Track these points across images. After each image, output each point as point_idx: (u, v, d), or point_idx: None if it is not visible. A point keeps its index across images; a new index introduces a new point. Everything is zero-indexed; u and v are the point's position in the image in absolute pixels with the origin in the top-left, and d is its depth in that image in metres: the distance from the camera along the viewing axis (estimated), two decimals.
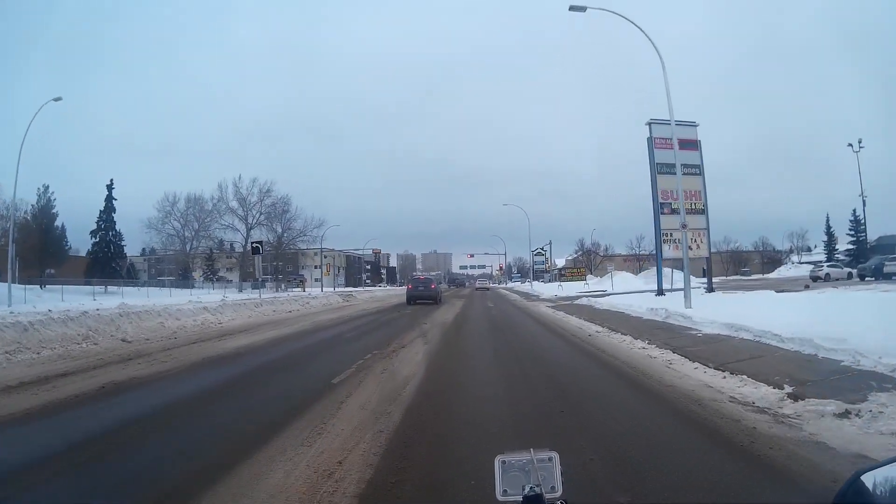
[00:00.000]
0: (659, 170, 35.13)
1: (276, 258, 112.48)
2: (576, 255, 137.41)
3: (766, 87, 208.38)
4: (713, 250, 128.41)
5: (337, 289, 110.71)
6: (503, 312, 32.65)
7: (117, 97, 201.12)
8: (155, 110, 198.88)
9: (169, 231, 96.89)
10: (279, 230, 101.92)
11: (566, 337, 18.37)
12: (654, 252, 44.62)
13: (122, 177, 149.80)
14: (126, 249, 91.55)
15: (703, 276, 42.69)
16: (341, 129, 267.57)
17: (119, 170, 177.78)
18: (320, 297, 44.99)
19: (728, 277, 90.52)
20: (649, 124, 35.72)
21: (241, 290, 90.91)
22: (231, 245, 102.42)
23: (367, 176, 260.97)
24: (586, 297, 40.38)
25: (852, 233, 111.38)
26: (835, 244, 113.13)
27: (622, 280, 63.32)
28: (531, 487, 1.74)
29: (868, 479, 1.54)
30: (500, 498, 1.79)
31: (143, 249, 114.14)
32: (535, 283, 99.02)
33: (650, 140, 35.53)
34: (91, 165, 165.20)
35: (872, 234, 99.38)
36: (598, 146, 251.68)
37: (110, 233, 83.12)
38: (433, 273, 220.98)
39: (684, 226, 25.65)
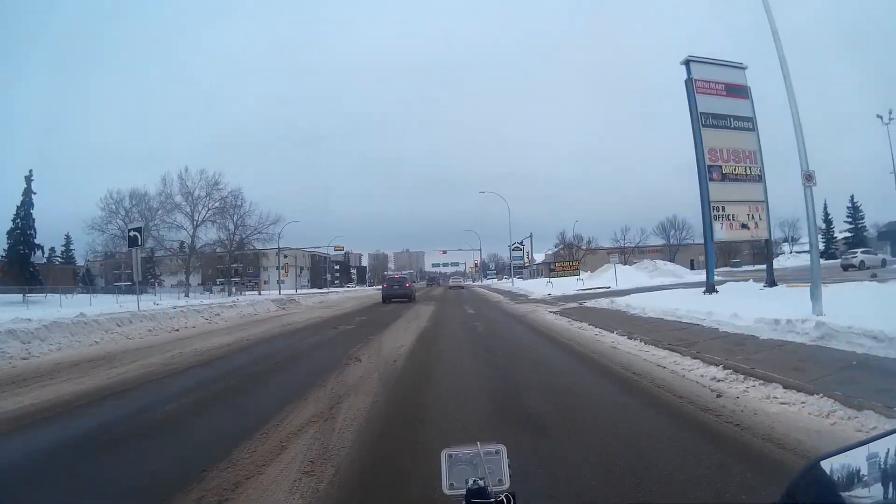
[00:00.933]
0: (704, 121, 25.27)
1: (233, 259, 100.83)
2: (557, 249, 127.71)
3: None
4: (701, 241, 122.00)
5: (298, 291, 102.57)
6: (493, 327, 21.48)
7: (108, 103, 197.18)
8: (143, 116, 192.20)
9: (113, 232, 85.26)
10: (231, 227, 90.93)
11: (675, 407, 7.73)
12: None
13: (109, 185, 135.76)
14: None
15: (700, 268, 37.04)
16: (318, 130, 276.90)
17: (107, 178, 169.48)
18: (244, 305, 34.28)
19: (717, 269, 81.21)
20: (687, 63, 25.91)
21: (186, 295, 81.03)
22: (183, 245, 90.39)
23: (341, 176, 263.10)
24: (592, 296, 32.85)
25: (850, 220, 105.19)
26: (832, 233, 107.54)
27: (623, 275, 53.79)
28: (475, 480, 1.72)
29: (825, 466, 1.46)
30: (446, 492, 1.75)
31: (107, 254, 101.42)
32: (516, 279, 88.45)
33: (689, 83, 25.62)
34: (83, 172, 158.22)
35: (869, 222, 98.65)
36: (578, 143, 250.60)
37: (28, 231, 72.34)
38: (406, 272, 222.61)
39: (808, 176, 14.69)
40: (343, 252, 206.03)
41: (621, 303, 23.16)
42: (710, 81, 25.80)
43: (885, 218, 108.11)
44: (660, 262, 72.48)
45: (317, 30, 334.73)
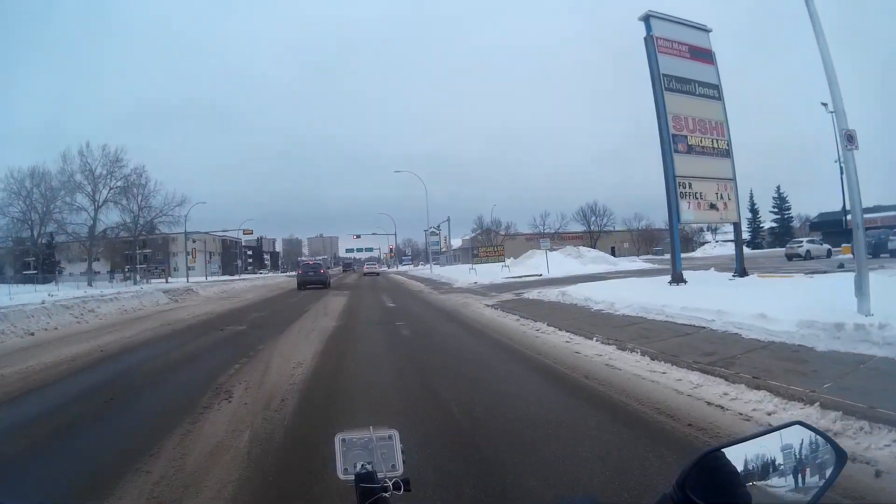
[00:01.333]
0: (667, 84, 21.50)
1: (139, 244, 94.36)
2: (475, 235, 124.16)
3: None
4: (622, 228, 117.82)
5: (208, 278, 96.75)
6: (421, 329, 16.72)
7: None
8: (43, 89, 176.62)
9: (14, 215, 77.88)
10: (135, 209, 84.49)
11: None
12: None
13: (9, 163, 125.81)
14: None
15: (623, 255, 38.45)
16: (227, 110, 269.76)
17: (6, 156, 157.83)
18: (128, 298, 28.46)
19: (639, 257, 79.25)
20: (646, 18, 22.02)
21: (90, 284, 73.71)
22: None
23: (250, 158, 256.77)
24: (526, 286, 30.59)
25: (776, 210, 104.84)
26: (759, 223, 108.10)
27: (554, 261, 50.14)
28: (363, 465, 1.69)
29: (714, 459, 1.44)
30: (340, 476, 1.69)
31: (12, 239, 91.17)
32: (434, 266, 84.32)
33: (650, 40, 21.80)
34: None
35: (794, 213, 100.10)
36: (495, 125, 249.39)
37: None
38: (320, 257, 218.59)
39: (850, 137, 10.71)
40: (255, 238, 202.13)
41: (575, 295, 19.57)
42: (672, 41, 22.25)
43: (808, 210, 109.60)
44: (583, 249, 68.99)
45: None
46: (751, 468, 1.43)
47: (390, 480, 1.61)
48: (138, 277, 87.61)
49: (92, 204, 78.13)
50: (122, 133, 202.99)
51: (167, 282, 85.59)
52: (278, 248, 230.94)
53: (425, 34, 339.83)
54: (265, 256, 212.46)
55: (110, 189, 79.22)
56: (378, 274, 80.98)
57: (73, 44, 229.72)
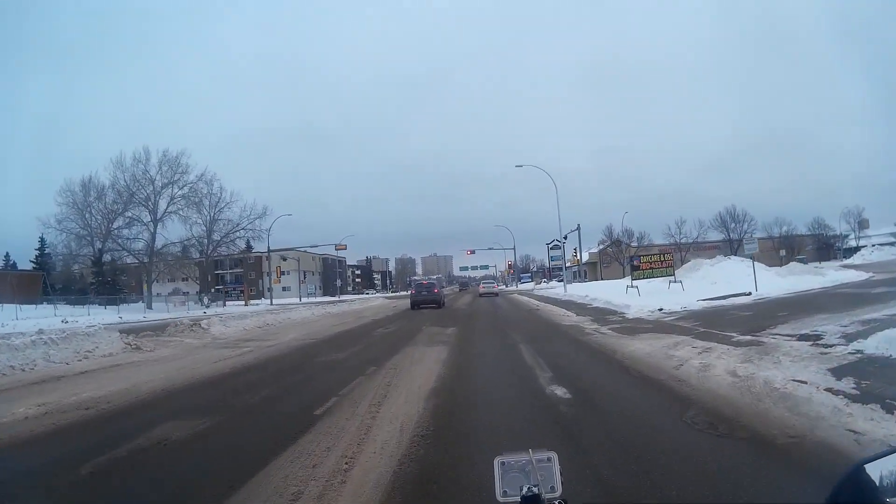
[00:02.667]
0: None
1: (226, 263, 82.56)
2: (603, 247, 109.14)
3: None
4: (762, 235, 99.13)
5: (304, 299, 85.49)
6: None
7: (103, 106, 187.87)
8: (139, 121, 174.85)
9: (75, 230, 67.74)
10: (205, 220, 72.72)
11: None
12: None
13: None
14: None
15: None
16: (334, 137, 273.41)
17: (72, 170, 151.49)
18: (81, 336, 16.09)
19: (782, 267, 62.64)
20: None
21: (149, 307, 65.73)
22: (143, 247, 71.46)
23: (361, 182, 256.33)
24: (787, 317, 16.77)
25: None
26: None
27: (721, 276, 35.23)
28: (529, 488, 1.70)
29: (869, 470, 1.43)
30: (499, 499, 1.73)
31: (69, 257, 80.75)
32: (556, 283, 70.48)
33: None
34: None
35: None
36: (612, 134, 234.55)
37: None
38: (434, 276, 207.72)
39: None
40: (368, 258, 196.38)
41: None
42: None
43: None
44: (748, 267, 52.77)
45: (321, 32, 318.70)
46: (885, 484, 1.39)
47: (551, 502, 1.65)
48: (208, 300, 75.08)
49: (150, 215, 66.90)
50: (225, 158, 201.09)
51: (246, 305, 73.62)
52: (392, 267, 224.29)
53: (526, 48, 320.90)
54: (375, 276, 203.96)
55: (171, 199, 67.98)
56: (497, 294, 66.60)
57: (177, 72, 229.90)
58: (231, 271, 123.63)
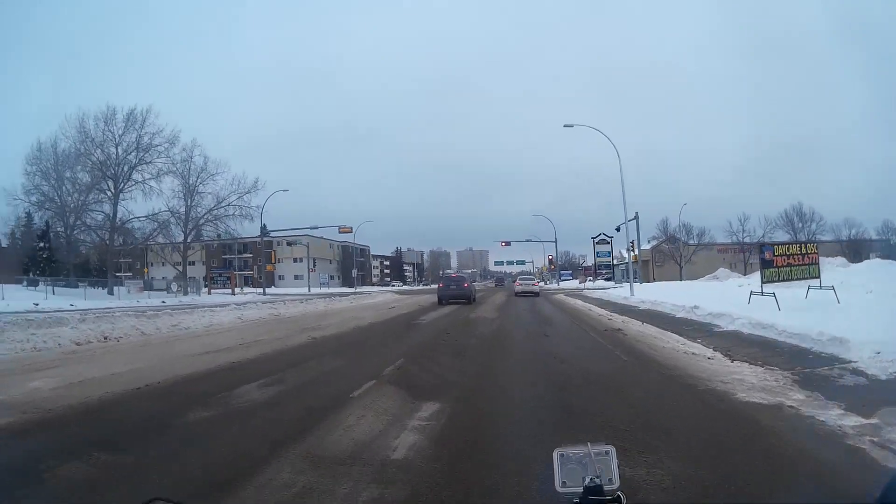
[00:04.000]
0: None
1: (236, 248, 70.00)
2: (657, 243, 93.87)
3: None
4: (828, 238, 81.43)
5: (313, 290, 73.28)
6: None
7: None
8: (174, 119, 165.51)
9: (35, 202, 57.43)
10: (184, 192, 60.53)
11: None
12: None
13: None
14: None
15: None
16: (371, 132, 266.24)
17: None
18: None
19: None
20: None
21: (111, 293, 54.51)
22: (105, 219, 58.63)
23: (396, 174, 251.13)
24: None
25: None
26: None
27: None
28: (591, 479, 1.73)
29: None
30: (559, 490, 1.77)
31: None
32: (602, 282, 64.12)
33: None
34: None
35: None
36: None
37: None
38: (469, 271, 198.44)
39: None
40: (399, 249, 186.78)
41: None
42: None
43: None
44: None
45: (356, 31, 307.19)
46: None
47: (611, 494, 1.67)
48: (176, 287, 62.54)
49: (111, 185, 55.80)
50: (267, 159, 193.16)
51: (233, 293, 62.73)
52: (426, 260, 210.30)
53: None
54: (406, 269, 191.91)
55: (135, 166, 56.29)
56: (537, 293, 50.79)
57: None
58: (239, 256, 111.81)
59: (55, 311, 22.72)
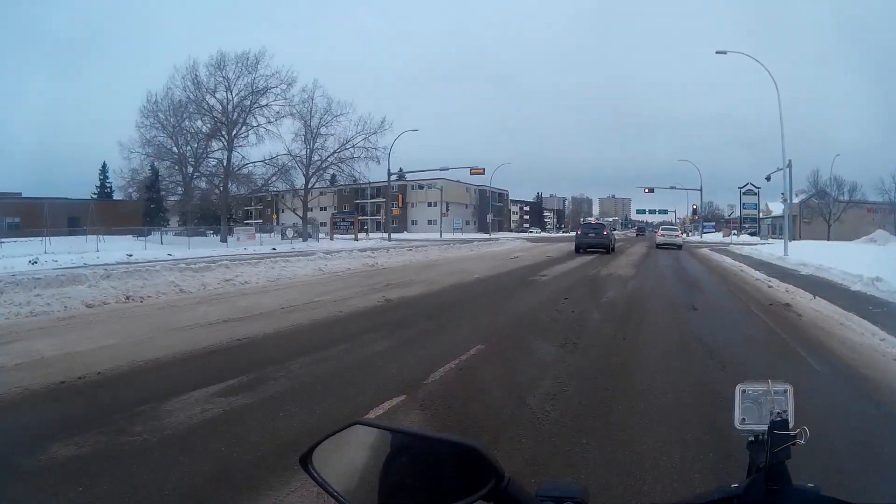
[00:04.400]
0: None
1: (315, 189, 65.91)
2: (807, 198, 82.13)
3: None
4: None
5: (445, 235, 70.06)
6: None
7: None
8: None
9: (163, 152, 56.45)
10: (307, 135, 58.18)
11: None
12: None
13: None
14: None
15: None
16: (513, 70, 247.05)
17: None
18: None
19: None
20: None
21: (224, 241, 53.55)
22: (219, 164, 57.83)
23: (542, 118, 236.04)
24: None
25: None
26: None
27: None
28: (778, 413, 1.53)
29: None
30: (738, 426, 1.56)
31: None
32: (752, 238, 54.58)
33: None
34: None
35: None
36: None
37: None
38: (610, 219, 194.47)
39: None
40: (539, 194, 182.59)
41: None
42: None
43: None
44: None
45: None
46: None
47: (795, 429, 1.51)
48: (292, 233, 61.01)
49: (225, 128, 54.36)
50: (395, 97, 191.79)
51: (356, 239, 59.00)
52: (568, 206, 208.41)
53: None
54: (547, 215, 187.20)
55: (248, 110, 54.58)
56: (680, 246, 45.50)
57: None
58: (372, 201, 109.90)
59: (145, 262, 21.76)
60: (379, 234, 74.09)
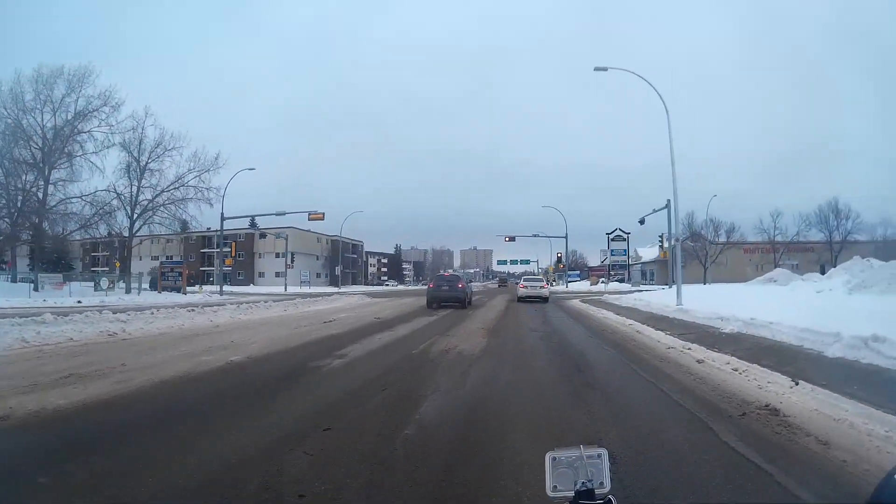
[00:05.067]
0: None
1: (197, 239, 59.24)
2: (682, 239, 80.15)
3: None
4: (863, 238, 56.63)
5: (289, 289, 65.25)
6: None
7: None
8: (185, 103, 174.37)
9: None
10: (133, 168, 50.50)
11: None
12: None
13: None
14: None
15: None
16: (379, 120, 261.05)
17: None
18: None
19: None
20: None
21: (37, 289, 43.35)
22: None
23: (402, 169, 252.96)
24: None
25: None
26: None
27: None
28: (583, 483, 1.70)
29: None
30: (550, 494, 1.72)
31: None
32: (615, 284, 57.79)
33: None
34: None
35: None
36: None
37: None
38: (471, 270, 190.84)
39: None
40: (398, 246, 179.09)
41: None
42: None
43: None
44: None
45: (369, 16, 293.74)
46: None
47: (603, 498, 1.64)
48: (108, 283, 50.49)
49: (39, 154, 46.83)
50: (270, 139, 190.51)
51: (184, 293, 51.05)
52: (429, 258, 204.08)
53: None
54: (406, 267, 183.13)
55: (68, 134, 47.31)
56: (546, 298, 39.27)
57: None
58: (220, 250, 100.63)
59: None
60: (211, 287, 65.82)
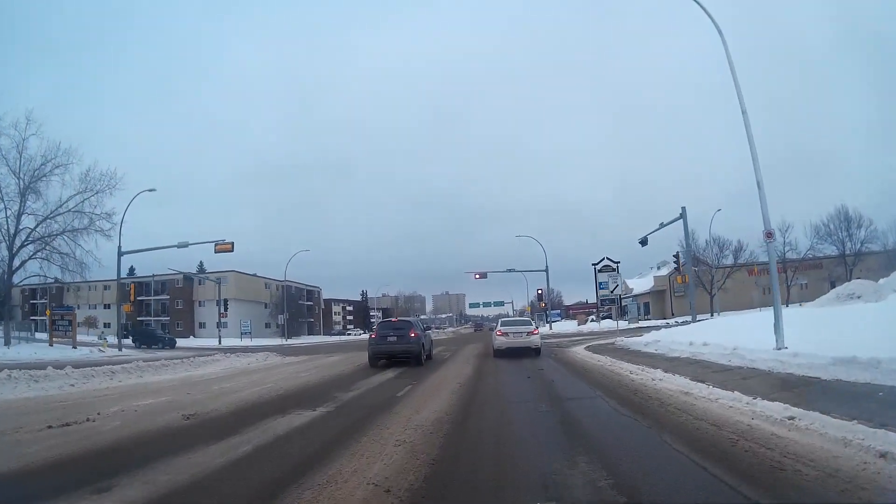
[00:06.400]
0: None
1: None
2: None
3: None
4: (877, 248, 70.82)
5: (226, 341, 51.73)
6: None
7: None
8: (149, 148, 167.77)
9: None
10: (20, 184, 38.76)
11: None
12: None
13: None
14: None
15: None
16: (347, 165, 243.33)
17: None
18: None
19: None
20: None
21: None
22: None
23: (374, 214, 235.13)
24: None
25: None
26: None
27: None
28: None
29: None
30: None
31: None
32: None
33: None
34: None
35: None
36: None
37: None
38: (443, 315, 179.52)
39: None
40: (364, 292, 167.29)
41: None
42: None
43: None
44: None
45: (330, 54, 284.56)
46: None
47: None
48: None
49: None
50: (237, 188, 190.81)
51: (51, 344, 41.44)
52: (400, 304, 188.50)
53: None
54: (374, 314, 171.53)
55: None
56: (538, 350, 24.55)
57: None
58: (157, 298, 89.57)
59: None
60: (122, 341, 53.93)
